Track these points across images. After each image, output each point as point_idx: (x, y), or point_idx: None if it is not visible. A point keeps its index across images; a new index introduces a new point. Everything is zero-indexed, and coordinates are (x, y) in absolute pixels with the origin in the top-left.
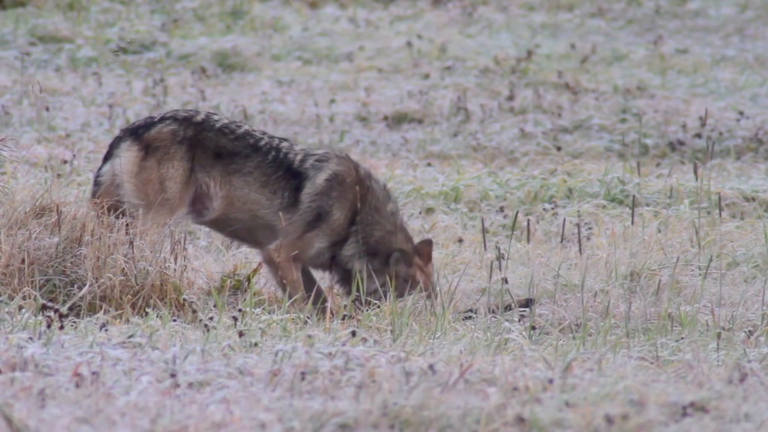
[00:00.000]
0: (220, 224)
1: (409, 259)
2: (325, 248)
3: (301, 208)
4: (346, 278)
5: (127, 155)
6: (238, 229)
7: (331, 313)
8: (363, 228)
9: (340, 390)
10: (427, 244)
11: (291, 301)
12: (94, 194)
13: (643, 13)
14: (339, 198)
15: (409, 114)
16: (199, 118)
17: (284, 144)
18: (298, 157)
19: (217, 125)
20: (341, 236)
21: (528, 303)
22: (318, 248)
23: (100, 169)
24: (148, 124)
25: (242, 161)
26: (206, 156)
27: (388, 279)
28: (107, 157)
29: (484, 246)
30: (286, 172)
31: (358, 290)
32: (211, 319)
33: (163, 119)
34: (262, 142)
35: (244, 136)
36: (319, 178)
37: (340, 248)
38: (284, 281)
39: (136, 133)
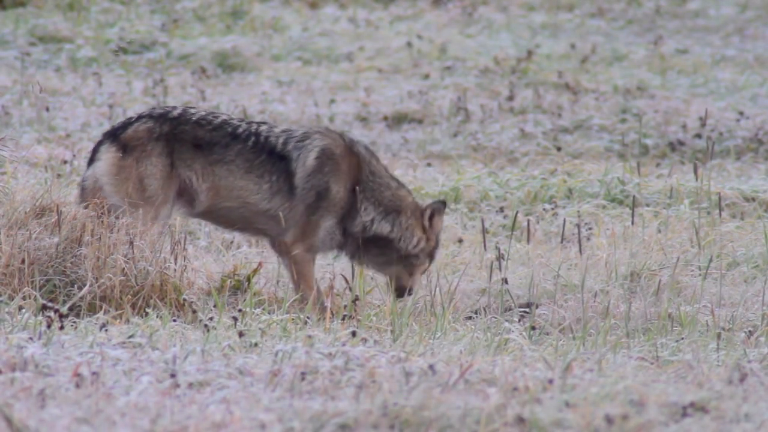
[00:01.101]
0: (214, 216)
1: (444, 211)
2: (334, 226)
3: (298, 193)
4: (358, 251)
5: (106, 157)
6: (235, 219)
7: (331, 313)
8: (371, 191)
9: (340, 390)
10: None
11: (299, 295)
12: (80, 199)
13: (643, 13)
14: (333, 172)
15: (409, 114)
16: (176, 113)
17: (263, 128)
18: (281, 140)
19: (194, 118)
20: (345, 209)
21: (527, 306)
22: (327, 228)
23: (84, 174)
24: (125, 124)
25: (222, 150)
26: (186, 150)
27: (421, 233)
28: (90, 162)
29: (484, 246)
30: (270, 156)
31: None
32: (211, 319)
33: (139, 118)
34: (241, 129)
35: (221, 126)
36: (309, 158)
37: (352, 220)
38: (298, 275)
39: (115, 134)
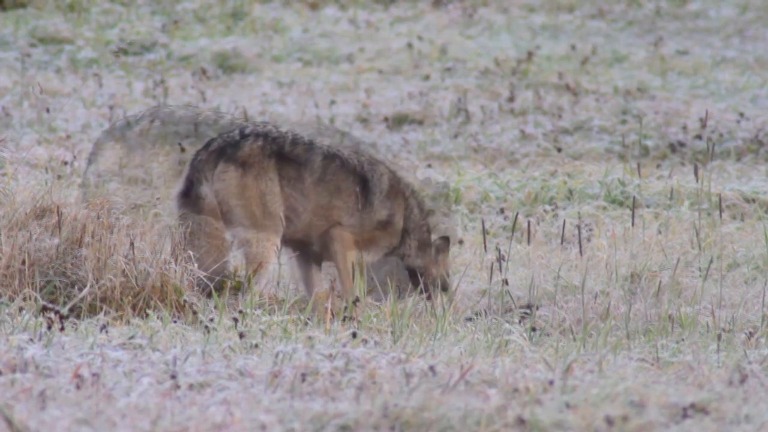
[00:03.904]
0: (301, 235)
1: (448, 247)
2: (384, 250)
3: (372, 210)
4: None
5: (228, 176)
6: (313, 237)
7: (332, 314)
8: (414, 227)
9: (340, 391)
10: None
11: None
12: (198, 214)
13: (644, 15)
14: (396, 203)
15: (410, 115)
16: (275, 132)
17: (328, 142)
18: (355, 160)
19: (290, 137)
20: (398, 241)
21: (528, 307)
22: (380, 247)
23: (188, 191)
24: (234, 142)
25: (319, 170)
26: (291, 168)
27: (425, 270)
28: (200, 181)
29: (485, 247)
30: (353, 176)
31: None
32: (211, 320)
33: (245, 136)
34: (325, 148)
35: (311, 145)
36: (384, 183)
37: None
38: (339, 264)
39: (223, 152)
